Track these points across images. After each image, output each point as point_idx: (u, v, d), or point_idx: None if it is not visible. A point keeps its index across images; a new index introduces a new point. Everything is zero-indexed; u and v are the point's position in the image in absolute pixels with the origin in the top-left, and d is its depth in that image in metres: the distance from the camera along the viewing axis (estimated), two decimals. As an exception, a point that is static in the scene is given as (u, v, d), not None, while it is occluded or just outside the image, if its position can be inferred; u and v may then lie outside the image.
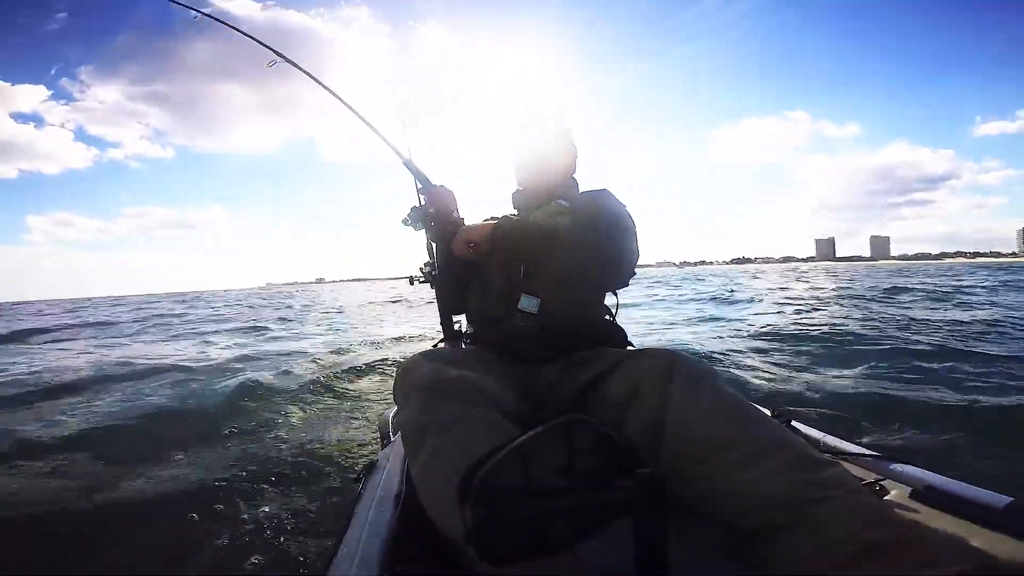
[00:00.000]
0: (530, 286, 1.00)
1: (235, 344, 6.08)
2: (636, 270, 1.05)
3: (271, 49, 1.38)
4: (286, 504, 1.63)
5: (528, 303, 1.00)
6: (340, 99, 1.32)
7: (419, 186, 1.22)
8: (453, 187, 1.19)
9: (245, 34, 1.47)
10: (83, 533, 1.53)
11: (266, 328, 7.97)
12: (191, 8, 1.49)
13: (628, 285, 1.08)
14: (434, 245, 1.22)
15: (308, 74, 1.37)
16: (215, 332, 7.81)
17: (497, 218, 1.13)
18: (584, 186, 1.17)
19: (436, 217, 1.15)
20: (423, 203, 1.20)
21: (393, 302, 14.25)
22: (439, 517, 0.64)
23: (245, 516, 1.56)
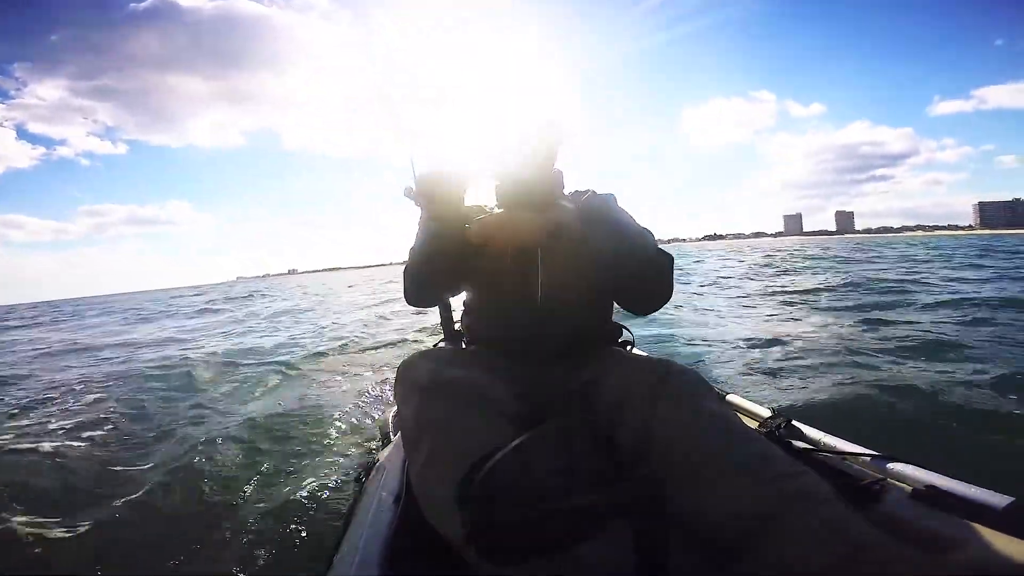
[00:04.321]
0: (544, 286, 0.93)
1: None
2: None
3: None
4: (286, 503, 1.64)
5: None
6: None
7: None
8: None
9: None
10: (77, 529, 1.53)
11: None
12: None
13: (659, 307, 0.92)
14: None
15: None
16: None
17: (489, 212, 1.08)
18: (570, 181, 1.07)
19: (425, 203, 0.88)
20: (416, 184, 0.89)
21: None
22: (437, 518, 0.64)
23: (245, 516, 1.56)
